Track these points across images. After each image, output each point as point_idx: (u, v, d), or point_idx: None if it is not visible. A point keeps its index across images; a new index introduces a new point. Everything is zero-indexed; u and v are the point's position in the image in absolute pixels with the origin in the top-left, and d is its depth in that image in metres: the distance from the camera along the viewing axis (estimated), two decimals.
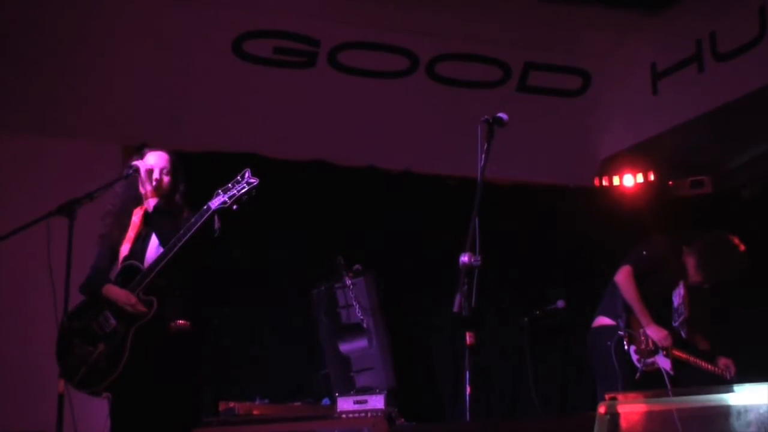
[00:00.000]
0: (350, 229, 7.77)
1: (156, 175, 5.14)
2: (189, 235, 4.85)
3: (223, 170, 7.45)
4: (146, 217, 5.11)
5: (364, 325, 6.88)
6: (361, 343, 6.94)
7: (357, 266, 6.97)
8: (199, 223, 4.86)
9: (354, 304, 6.86)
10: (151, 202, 5.09)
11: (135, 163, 5.18)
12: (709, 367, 6.25)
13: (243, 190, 4.87)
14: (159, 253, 4.96)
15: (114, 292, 4.94)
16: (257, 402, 6.36)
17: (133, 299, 4.88)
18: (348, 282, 6.93)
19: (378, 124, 7.95)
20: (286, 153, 7.81)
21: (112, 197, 5.19)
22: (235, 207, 4.89)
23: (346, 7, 7.38)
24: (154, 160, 5.20)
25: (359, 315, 6.87)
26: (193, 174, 7.26)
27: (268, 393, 6.66)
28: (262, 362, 7.48)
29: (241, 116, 7.66)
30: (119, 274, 5.03)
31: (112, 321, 4.88)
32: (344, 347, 7.07)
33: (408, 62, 7.78)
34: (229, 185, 4.92)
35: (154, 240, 5.07)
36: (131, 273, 4.98)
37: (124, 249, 5.08)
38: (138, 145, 7.08)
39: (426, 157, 8.17)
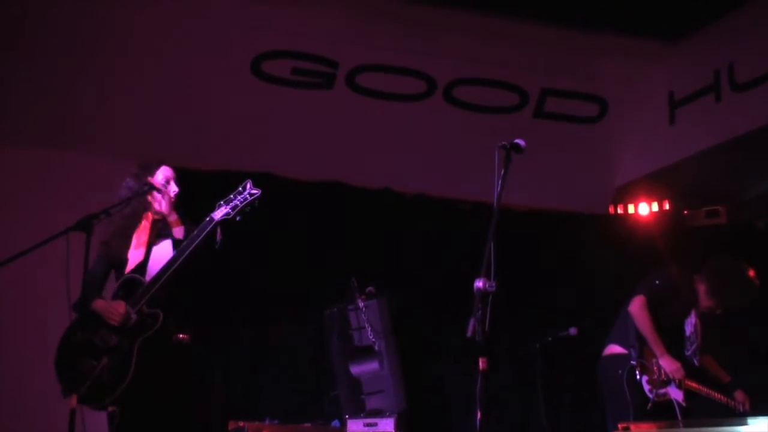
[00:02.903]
0: (364, 250, 7.76)
1: (173, 187, 5.17)
2: (193, 246, 4.83)
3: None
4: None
5: (376, 348, 6.85)
6: (372, 365, 6.90)
7: (370, 288, 6.94)
8: (202, 235, 4.84)
9: (366, 326, 6.83)
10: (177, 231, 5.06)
11: (150, 180, 5.17)
12: (722, 398, 6.23)
13: (246, 201, 4.87)
14: (161, 266, 4.92)
15: (100, 306, 4.90)
16: (267, 422, 6.35)
17: (121, 309, 4.83)
18: (361, 304, 6.90)
19: (394, 147, 7.95)
20: (302, 173, 7.83)
21: (119, 217, 5.12)
22: (238, 218, 4.88)
23: (365, 29, 7.41)
24: (167, 172, 5.22)
25: (371, 337, 6.83)
26: (209, 192, 7.33)
27: (278, 413, 6.67)
28: (272, 382, 7.47)
29: (259, 136, 7.67)
30: (120, 288, 4.98)
31: (114, 335, 4.83)
32: (355, 369, 7.04)
33: (425, 86, 7.80)
34: (231, 196, 4.92)
35: (155, 253, 5.04)
36: (132, 286, 4.94)
37: (138, 254, 5.03)
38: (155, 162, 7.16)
39: (441, 181, 8.17)
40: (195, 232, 4.87)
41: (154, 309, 4.86)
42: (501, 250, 4.16)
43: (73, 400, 4.60)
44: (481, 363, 4.07)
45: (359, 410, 6.84)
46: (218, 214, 4.88)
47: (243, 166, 7.59)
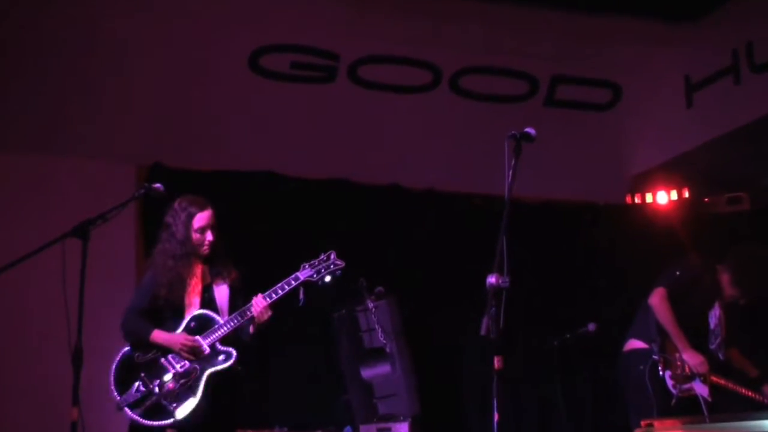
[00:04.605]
0: (373, 250, 7.61)
1: (209, 236, 5.20)
2: (276, 299, 5.11)
3: (241, 189, 7.45)
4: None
5: (387, 350, 6.76)
6: (384, 368, 6.82)
7: (379, 289, 6.86)
8: (287, 290, 5.14)
9: (376, 327, 6.74)
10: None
11: (153, 186, 5.11)
12: (749, 393, 6.10)
13: (329, 270, 5.19)
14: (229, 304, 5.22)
15: (163, 338, 5.07)
16: (276, 429, 6.40)
17: (188, 342, 5.01)
18: (370, 305, 6.80)
19: (400, 140, 7.87)
20: (305, 171, 7.75)
21: (173, 245, 5.17)
22: (320, 284, 5.21)
23: (365, 20, 7.32)
24: (203, 221, 5.23)
25: (382, 339, 6.73)
26: (210, 194, 7.17)
27: (288, 421, 6.66)
28: (281, 389, 7.36)
29: (259, 133, 7.58)
30: (193, 320, 5.13)
31: (186, 361, 5.05)
32: (366, 373, 6.95)
33: (431, 76, 7.72)
34: (315, 261, 5.20)
35: (217, 294, 5.22)
36: (205, 322, 5.12)
37: (194, 301, 5.17)
38: (152, 165, 7.07)
39: (450, 175, 8.08)
40: (280, 284, 5.14)
41: (228, 347, 5.09)
42: (514, 244, 4.05)
43: (74, 413, 4.49)
44: (497, 362, 3.96)
45: (372, 415, 6.77)
46: (303, 274, 5.18)
47: (245, 165, 7.61)
